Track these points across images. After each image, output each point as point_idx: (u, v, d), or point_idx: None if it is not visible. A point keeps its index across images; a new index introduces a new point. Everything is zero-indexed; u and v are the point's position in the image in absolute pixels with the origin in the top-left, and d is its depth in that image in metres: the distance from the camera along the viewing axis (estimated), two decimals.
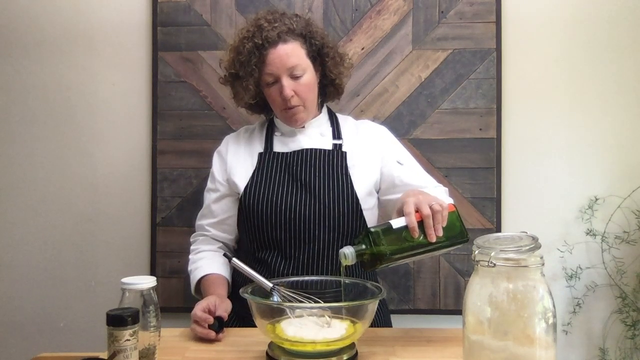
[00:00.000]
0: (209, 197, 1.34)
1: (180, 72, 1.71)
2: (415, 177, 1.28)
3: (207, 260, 1.28)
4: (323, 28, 1.38)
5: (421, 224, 0.92)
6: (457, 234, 0.97)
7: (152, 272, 1.70)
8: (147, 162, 1.73)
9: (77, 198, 1.75)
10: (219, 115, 1.71)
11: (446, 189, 1.30)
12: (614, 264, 1.66)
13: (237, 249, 1.37)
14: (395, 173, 1.27)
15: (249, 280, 0.99)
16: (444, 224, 0.94)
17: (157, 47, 1.71)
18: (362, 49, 1.69)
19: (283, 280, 1.03)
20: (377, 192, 1.31)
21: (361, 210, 1.23)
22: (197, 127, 1.72)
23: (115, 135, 1.74)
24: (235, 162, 1.30)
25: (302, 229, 1.19)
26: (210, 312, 1.03)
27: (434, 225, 0.92)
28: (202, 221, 1.35)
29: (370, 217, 1.27)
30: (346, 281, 1.04)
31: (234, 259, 0.99)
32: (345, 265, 0.94)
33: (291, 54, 1.20)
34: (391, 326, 1.34)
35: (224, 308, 1.09)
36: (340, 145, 1.29)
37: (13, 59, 1.75)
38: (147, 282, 0.86)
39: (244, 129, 1.39)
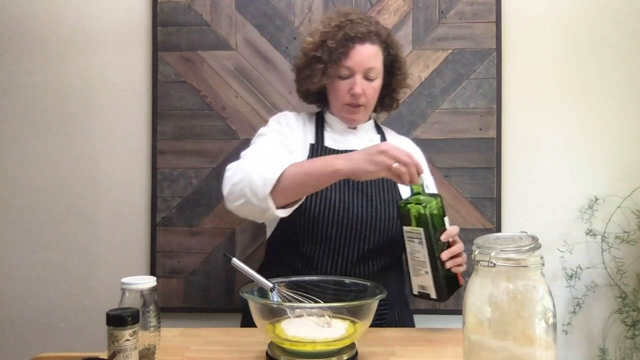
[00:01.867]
0: (275, 140, 1.25)
1: (180, 72, 1.71)
2: None
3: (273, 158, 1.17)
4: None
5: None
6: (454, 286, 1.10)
7: (152, 272, 1.70)
8: (147, 162, 1.73)
9: (77, 198, 1.75)
10: (219, 115, 1.71)
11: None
12: (614, 264, 1.66)
13: (274, 242, 1.32)
14: None
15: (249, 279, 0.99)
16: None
17: (157, 47, 1.71)
18: None
19: (283, 280, 1.03)
20: None
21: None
22: (197, 127, 1.72)
23: (115, 135, 1.74)
24: (295, 144, 1.28)
25: (355, 228, 1.19)
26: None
27: None
28: (261, 155, 1.20)
29: None
30: (346, 281, 1.05)
31: (234, 259, 0.99)
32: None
33: (373, 56, 1.23)
34: (414, 326, 1.34)
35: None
36: None
37: (13, 59, 1.75)
38: (147, 282, 0.86)
39: (297, 114, 1.37)
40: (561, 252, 1.68)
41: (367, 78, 1.23)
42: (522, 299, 0.71)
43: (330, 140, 1.30)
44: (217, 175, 1.69)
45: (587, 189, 1.69)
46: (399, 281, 1.31)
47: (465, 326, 0.76)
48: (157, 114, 1.71)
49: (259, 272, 1.34)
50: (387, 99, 1.36)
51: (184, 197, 1.71)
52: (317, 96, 1.35)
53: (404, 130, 1.68)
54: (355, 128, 1.32)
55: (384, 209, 1.22)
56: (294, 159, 1.23)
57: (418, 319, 1.69)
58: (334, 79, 1.25)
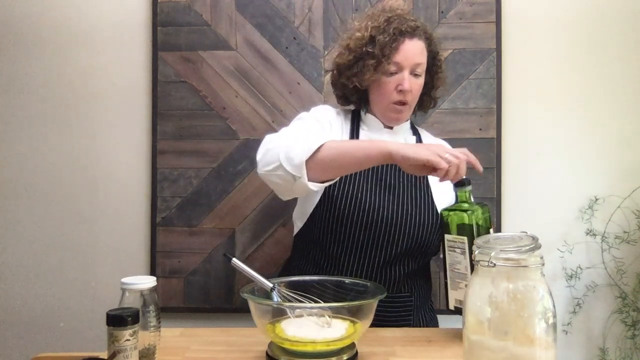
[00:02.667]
0: (312, 125, 1.22)
1: (180, 72, 1.71)
2: None
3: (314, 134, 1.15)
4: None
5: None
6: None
7: (152, 272, 1.70)
8: (147, 162, 1.73)
9: (77, 198, 1.75)
10: (219, 115, 1.71)
11: None
12: (614, 264, 1.66)
13: (302, 238, 1.30)
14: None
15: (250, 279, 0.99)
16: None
17: (157, 47, 1.71)
18: None
19: (283, 280, 1.03)
20: None
21: (438, 226, 1.21)
22: (197, 127, 1.71)
23: (115, 135, 1.74)
24: (332, 137, 1.23)
25: (383, 232, 1.17)
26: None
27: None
28: (298, 132, 1.18)
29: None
30: (346, 281, 1.05)
31: (234, 259, 0.99)
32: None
33: (422, 52, 1.21)
34: (438, 326, 1.33)
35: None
36: None
37: (13, 59, 1.75)
38: (147, 282, 0.86)
39: (338, 110, 1.33)
40: (561, 252, 1.68)
41: (414, 74, 1.21)
42: (522, 299, 0.70)
43: (366, 138, 1.27)
44: (217, 175, 1.69)
45: (587, 189, 1.69)
46: (426, 287, 1.30)
47: (465, 326, 0.76)
48: (157, 114, 1.71)
49: (285, 266, 1.34)
50: (425, 98, 1.33)
51: (184, 197, 1.71)
52: (356, 96, 1.30)
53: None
54: (392, 128, 1.29)
55: (416, 213, 1.19)
56: None
57: None
58: (378, 75, 1.21)
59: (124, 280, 0.86)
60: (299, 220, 1.30)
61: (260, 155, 1.10)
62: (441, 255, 1.08)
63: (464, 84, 1.69)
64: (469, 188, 1.02)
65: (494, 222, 1.67)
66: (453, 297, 1.03)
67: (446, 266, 1.04)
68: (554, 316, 0.71)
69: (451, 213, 1.02)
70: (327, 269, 1.20)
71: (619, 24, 1.69)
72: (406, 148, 0.98)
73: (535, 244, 0.72)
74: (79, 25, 1.74)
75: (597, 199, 1.68)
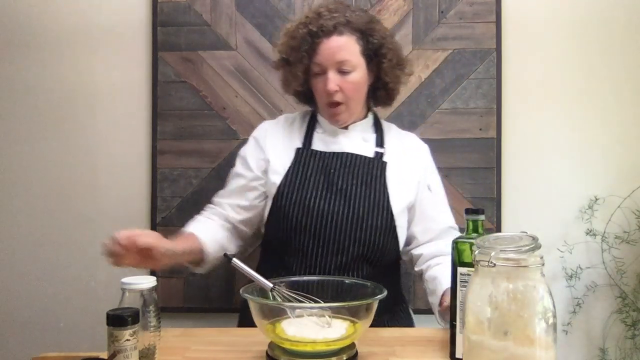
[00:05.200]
0: (236, 182, 1.27)
1: (180, 72, 1.71)
2: (438, 210, 1.27)
3: (198, 224, 1.22)
4: (388, 28, 1.30)
5: None
6: None
7: (152, 272, 1.70)
8: (147, 162, 1.73)
9: (77, 198, 1.75)
10: (219, 115, 1.71)
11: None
12: (614, 264, 1.66)
13: (264, 247, 1.32)
14: (423, 198, 1.25)
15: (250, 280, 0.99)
16: None
17: (157, 47, 1.71)
18: None
19: (283, 280, 1.03)
20: None
21: (395, 227, 1.19)
22: (197, 127, 1.71)
23: (115, 135, 1.74)
24: (273, 154, 1.24)
25: (333, 238, 1.14)
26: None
27: None
28: (220, 198, 1.29)
29: (402, 235, 1.23)
30: (346, 281, 1.04)
31: (234, 259, 0.99)
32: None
33: (343, 48, 1.15)
34: (414, 326, 1.31)
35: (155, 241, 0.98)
36: (382, 154, 1.24)
37: (13, 59, 1.75)
38: (147, 282, 0.86)
39: (284, 117, 1.33)
40: (561, 252, 1.68)
41: (342, 72, 1.16)
42: (522, 299, 0.70)
43: (319, 142, 1.24)
44: (217, 175, 1.69)
45: (587, 189, 1.69)
46: (394, 289, 1.22)
47: (465, 326, 0.76)
48: (157, 114, 1.71)
49: (256, 271, 1.34)
50: (380, 92, 1.27)
51: (184, 197, 1.71)
52: (307, 96, 1.29)
53: (403, 130, 1.68)
54: (346, 128, 1.25)
55: (369, 216, 1.16)
56: (274, 168, 1.22)
57: (418, 319, 1.69)
58: (311, 77, 1.20)
59: (124, 280, 0.86)
60: (262, 230, 1.29)
61: None
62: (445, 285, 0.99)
63: (464, 84, 1.69)
64: (481, 217, 0.92)
65: (493, 222, 1.67)
66: (462, 343, 0.83)
67: (455, 304, 0.90)
68: (554, 316, 0.71)
69: (467, 243, 0.88)
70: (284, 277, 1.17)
71: (619, 23, 1.69)
72: None
73: (535, 244, 0.72)
74: (79, 25, 1.74)
75: (597, 199, 1.68)
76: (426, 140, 1.67)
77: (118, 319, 0.77)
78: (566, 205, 1.70)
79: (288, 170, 1.20)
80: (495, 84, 1.68)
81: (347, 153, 1.21)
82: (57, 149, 1.75)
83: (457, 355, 0.89)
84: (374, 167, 1.21)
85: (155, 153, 1.72)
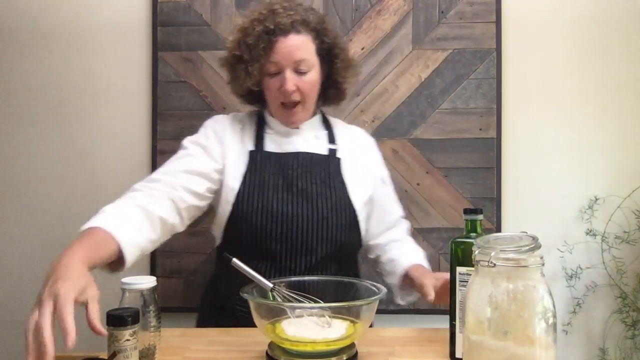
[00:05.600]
0: (192, 164, 1.13)
1: (180, 72, 1.71)
2: (391, 202, 1.32)
3: (122, 209, 1.01)
4: (335, 28, 1.32)
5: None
6: None
7: (152, 272, 1.70)
8: (147, 162, 1.73)
9: (77, 198, 1.75)
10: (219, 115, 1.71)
11: (409, 224, 1.35)
12: (614, 264, 1.66)
13: (220, 256, 1.26)
14: (379, 191, 1.27)
15: (248, 279, 0.99)
16: None
17: (157, 47, 1.71)
18: (362, 49, 1.69)
19: (283, 280, 1.03)
20: None
21: (358, 222, 1.19)
22: (197, 127, 1.69)
23: (115, 135, 1.74)
24: (231, 155, 1.18)
25: (300, 240, 1.13)
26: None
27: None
28: (170, 177, 1.10)
29: (363, 229, 1.23)
30: (346, 281, 1.04)
31: (234, 259, 0.99)
32: None
33: (301, 47, 1.13)
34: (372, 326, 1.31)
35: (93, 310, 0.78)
36: (335, 150, 1.23)
37: (13, 59, 1.75)
38: (147, 282, 0.86)
39: (233, 116, 1.28)
40: (561, 252, 1.68)
41: (299, 72, 1.14)
42: (522, 299, 0.70)
43: (272, 143, 1.21)
44: None
45: (587, 189, 1.69)
46: None
47: (465, 326, 0.76)
48: (157, 114, 1.71)
49: (208, 288, 1.30)
50: (331, 91, 1.26)
51: None
52: (255, 96, 1.25)
53: (403, 130, 1.68)
54: (298, 127, 1.23)
55: (332, 215, 1.15)
56: (230, 172, 1.16)
57: (419, 319, 1.69)
58: (264, 77, 1.16)
59: (124, 280, 0.86)
60: (216, 235, 1.25)
61: None
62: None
63: (464, 84, 1.69)
64: (480, 217, 0.92)
65: (493, 222, 1.67)
66: (462, 343, 0.84)
67: (454, 305, 0.89)
68: (554, 316, 0.71)
69: (466, 243, 0.88)
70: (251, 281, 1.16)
71: (619, 23, 1.69)
72: (45, 279, 0.78)
73: (535, 244, 0.72)
74: (79, 25, 1.74)
75: (597, 199, 1.68)
76: (426, 140, 1.69)
77: (118, 319, 0.77)
78: (566, 205, 1.70)
79: (245, 175, 1.16)
80: (495, 84, 1.68)
81: (303, 152, 1.20)
82: (57, 148, 1.75)
83: (457, 355, 0.89)
84: (330, 164, 1.20)
85: (155, 153, 1.72)
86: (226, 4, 1.71)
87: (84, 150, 1.75)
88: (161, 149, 1.71)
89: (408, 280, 1.18)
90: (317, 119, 1.28)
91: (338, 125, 1.32)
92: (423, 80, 1.69)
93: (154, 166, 1.71)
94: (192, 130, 1.70)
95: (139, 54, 1.74)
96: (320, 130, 1.27)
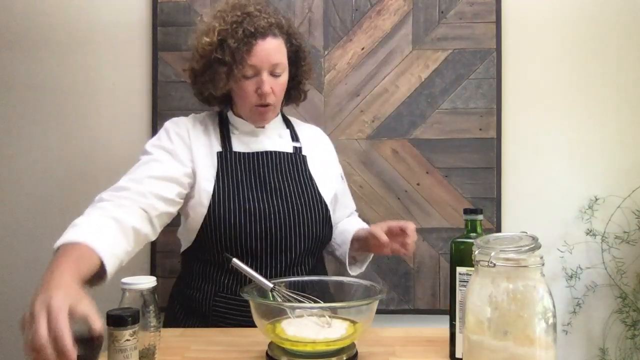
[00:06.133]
0: (161, 170, 1.11)
1: (180, 72, 1.71)
2: (348, 197, 1.42)
3: (95, 221, 0.97)
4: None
5: None
6: None
7: (152, 272, 1.70)
8: None
9: (77, 198, 1.74)
10: None
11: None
12: (614, 264, 1.66)
13: (194, 257, 1.22)
14: (339, 187, 1.33)
15: (248, 279, 0.99)
16: None
17: (157, 47, 1.71)
18: (362, 49, 1.69)
19: (283, 280, 1.03)
20: None
21: (329, 217, 1.21)
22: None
23: (115, 135, 1.74)
24: (198, 158, 1.17)
25: (279, 237, 1.14)
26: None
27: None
28: (138, 185, 1.06)
29: (334, 223, 1.29)
30: (346, 281, 1.05)
31: (234, 259, 0.99)
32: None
33: (278, 50, 1.15)
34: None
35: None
36: (300, 148, 1.27)
37: (13, 59, 1.75)
38: (147, 282, 0.86)
39: (193, 117, 1.27)
40: (561, 252, 1.68)
41: (274, 74, 1.15)
42: (522, 299, 0.70)
43: (239, 143, 1.22)
44: None
45: (587, 189, 1.69)
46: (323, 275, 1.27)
47: (465, 326, 0.76)
48: (157, 114, 1.71)
49: (179, 287, 1.30)
50: (293, 92, 1.29)
51: None
52: (219, 98, 1.25)
53: (403, 130, 1.68)
54: (263, 127, 1.25)
55: (306, 210, 1.17)
56: (201, 174, 1.15)
57: (418, 319, 1.69)
58: (236, 80, 1.15)
59: (124, 280, 0.86)
60: (184, 239, 1.23)
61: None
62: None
63: (464, 84, 1.69)
64: (480, 217, 0.92)
65: (493, 222, 1.67)
66: (462, 343, 0.84)
67: (454, 304, 0.90)
68: (554, 316, 0.71)
69: (466, 243, 0.88)
70: (228, 284, 1.16)
71: (619, 23, 1.69)
72: (33, 298, 0.75)
73: (535, 244, 0.72)
74: (79, 25, 1.74)
75: (597, 199, 1.68)
76: (426, 140, 1.69)
77: (118, 319, 0.77)
78: (566, 205, 1.70)
79: (217, 176, 1.15)
80: (495, 84, 1.68)
81: (271, 151, 1.22)
82: (57, 148, 1.75)
83: (457, 355, 0.89)
84: (297, 162, 1.24)
85: None
86: None
87: (83, 150, 1.75)
88: None
89: (360, 243, 1.24)
90: (279, 118, 1.31)
91: (298, 123, 1.36)
92: (423, 80, 1.69)
93: None
94: None
95: (139, 54, 1.74)
96: (283, 129, 1.30)
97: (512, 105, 1.70)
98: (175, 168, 1.14)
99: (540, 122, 1.70)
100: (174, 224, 1.71)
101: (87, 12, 1.74)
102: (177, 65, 1.71)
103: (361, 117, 1.69)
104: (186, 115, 1.69)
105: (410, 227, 1.11)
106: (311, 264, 1.21)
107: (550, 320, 0.71)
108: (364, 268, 1.31)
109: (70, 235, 0.94)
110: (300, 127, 1.35)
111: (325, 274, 1.31)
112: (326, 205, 1.21)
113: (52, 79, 1.75)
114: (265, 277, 0.99)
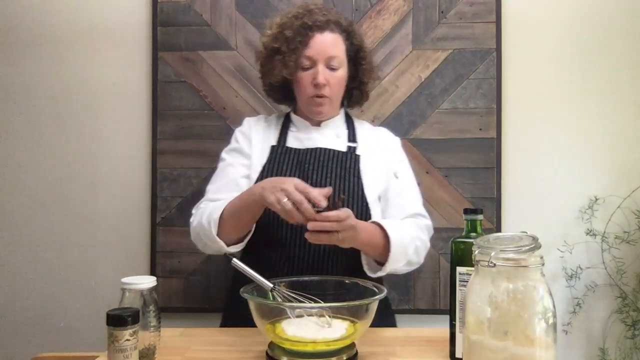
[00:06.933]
0: (233, 171, 1.25)
1: (180, 72, 1.71)
2: (405, 197, 1.27)
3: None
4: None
5: None
6: None
7: (152, 272, 1.70)
8: (147, 162, 1.73)
9: (77, 198, 1.75)
10: (219, 115, 1.71)
11: (429, 223, 1.25)
12: (614, 264, 1.66)
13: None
14: (390, 185, 1.27)
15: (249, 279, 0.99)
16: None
17: (157, 47, 1.71)
18: None
19: (283, 280, 1.03)
20: None
21: (370, 216, 1.21)
22: (197, 127, 1.71)
23: (115, 135, 1.74)
24: (255, 147, 1.27)
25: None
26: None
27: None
28: (219, 194, 1.21)
29: None
30: (346, 281, 1.04)
31: (234, 259, 0.99)
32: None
33: (334, 44, 1.20)
34: (395, 326, 1.31)
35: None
36: (355, 148, 1.28)
37: (13, 59, 1.75)
38: (147, 282, 0.86)
39: (262, 117, 1.36)
40: (561, 252, 1.68)
41: (330, 67, 1.20)
42: (522, 299, 0.70)
43: (294, 139, 1.28)
44: None
45: (587, 189, 1.69)
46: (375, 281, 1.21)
47: (465, 326, 0.76)
48: (157, 114, 1.71)
49: (231, 291, 1.29)
50: (355, 92, 1.33)
51: (184, 197, 1.71)
52: (284, 94, 1.32)
53: (403, 130, 1.68)
54: (319, 125, 1.29)
55: (345, 205, 1.16)
56: (253, 164, 1.23)
57: (418, 319, 1.69)
58: (296, 71, 1.21)
59: (124, 280, 0.86)
60: None
61: (192, 236, 1.19)
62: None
63: (464, 84, 1.69)
64: (480, 217, 0.92)
65: (493, 222, 1.67)
66: (461, 343, 0.84)
67: (455, 305, 0.89)
68: (554, 316, 0.71)
69: (466, 243, 0.88)
70: (265, 274, 1.11)
71: (619, 23, 1.69)
72: (263, 193, 1.00)
73: (535, 244, 0.72)
74: (79, 25, 1.74)
75: (597, 199, 1.68)
76: (426, 140, 1.69)
77: (118, 319, 0.77)
78: (566, 205, 1.70)
79: (264, 167, 1.23)
80: (495, 84, 1.68)
81: (321, 148, 1.24)
82: (57, 148, 1.75)
83: (457, 355, 0.89)
84: (347, 160, 1.24)
85: (155, 153, 1.72)
86: (226, 4, 1.71)
87: (84, 150, 1.75)
88: (161, 149, 1.71)
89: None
90: (340, 118, 1.33)
91: (363, 125, 1.36)
92: (423, 80, 1.69)
93: (154, 166, 1.71)
94: (192, 130, 1.72)
95: (139, 54, 1.74)
96: (342, 129, 1.32)
97: (512, 105, 1.70)
98: (245, 164, 1.26)
99: (540, 122, 1.70)
100: (173, 224, 1.72)
101: (87, 12, 1.74)
102: (177, 65, 1.71)
103: (361, 117, 1.68)
104: (185, 114, 1.71)
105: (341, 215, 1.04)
106: (343, 260, 1.20)
107: (550, 320, 0.71)
108: (383, 272, 1.20)
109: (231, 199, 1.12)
110: (365, 129, 1.34)
111: (360, 269, 1.22)
112: (366, 204, 1.20)
113: (52, 79, 1.75)
114: (296, 269, 1.09)
